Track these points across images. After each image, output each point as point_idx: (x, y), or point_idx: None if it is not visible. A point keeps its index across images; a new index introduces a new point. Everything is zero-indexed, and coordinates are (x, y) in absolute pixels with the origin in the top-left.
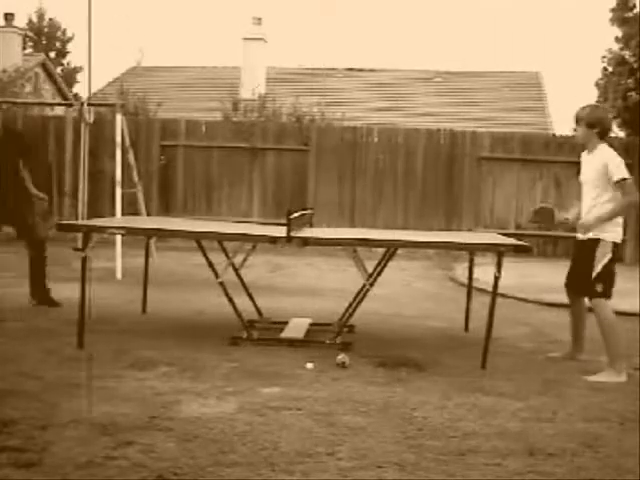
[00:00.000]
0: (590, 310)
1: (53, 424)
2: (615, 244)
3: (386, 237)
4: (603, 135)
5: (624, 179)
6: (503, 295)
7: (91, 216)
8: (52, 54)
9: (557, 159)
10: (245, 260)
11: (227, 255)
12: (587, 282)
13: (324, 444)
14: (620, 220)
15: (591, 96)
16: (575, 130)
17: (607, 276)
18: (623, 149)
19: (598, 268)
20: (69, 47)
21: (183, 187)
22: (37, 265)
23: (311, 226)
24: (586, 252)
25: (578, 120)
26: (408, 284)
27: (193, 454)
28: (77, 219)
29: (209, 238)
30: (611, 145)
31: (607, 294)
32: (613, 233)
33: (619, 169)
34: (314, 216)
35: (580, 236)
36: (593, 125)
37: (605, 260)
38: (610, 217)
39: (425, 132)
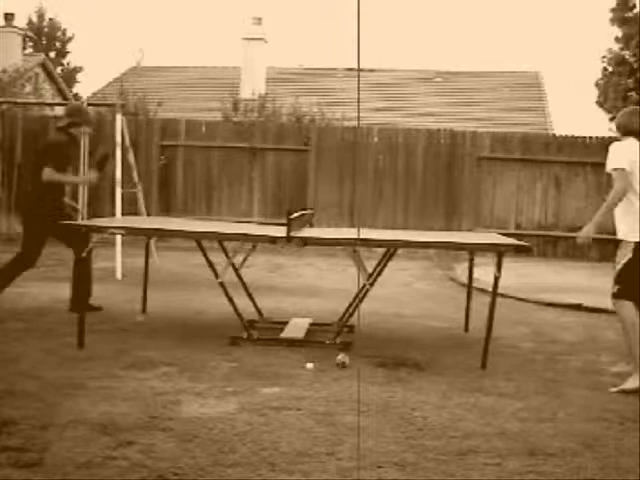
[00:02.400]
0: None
1: (53, 424)
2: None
3: (386, 237)
4: (625, 133)
5: (614, 169)
6: (503, 295)
7: (91, 216)
8: (52, 54)
9: (557, 159)
10: (245, 260)
11: (227, 255)
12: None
13: (324, 444)
14: None
15: (591, 96)
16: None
17: (625, 277)
18: None
19: (618, 269)
20: (69, 47)
21: (183, 187)
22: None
23: (311, 226)
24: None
25: (617, 127)
26: (408, 284)
27: (193, 454)
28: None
29: (209, 238)
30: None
31: (625, 295)
32: (634, 231)
33: (610, 160)
34: (314, 216)
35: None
36: (617, 128)
37: (624, 261)
38: (603, 212)
39: (425, 132)
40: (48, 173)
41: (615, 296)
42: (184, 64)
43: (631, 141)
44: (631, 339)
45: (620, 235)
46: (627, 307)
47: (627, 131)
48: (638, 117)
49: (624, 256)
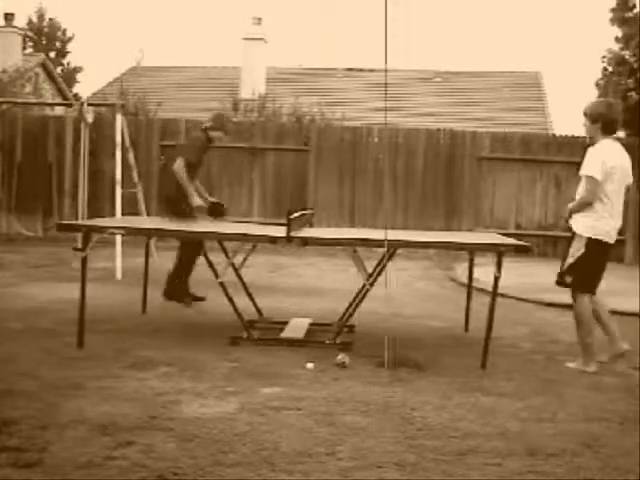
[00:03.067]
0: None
1: (53, 424)
2: (593, 240)
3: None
4: (606, 130)
5: (587, 176)
6: (503, 295)
7: (91, 216)
8: (52, 54)
9: (557, 159)
10: (245, 260)
11: (227, 255)
12: (560, 272)
13: (324, 444)
14: (605, 217)
15: (591, 96)
16: (584, 125)
17: (579, 270)
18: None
19: (570, 260)
20: (69, 47)
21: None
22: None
23: (311, 226)
24: (567, 244)
25: (584, 115)
26: (408, 284)
27: (193, 454)
28: (77, 219)
29: (209, 238)
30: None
31: (579, 287)
32: (591, 229)
33: (589, 165)
34: (314, 216)
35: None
36: (596, 120)
37: (578, 254)
38: (572, 210)
39: (425, 132)
40: (179, 165)
41: (565, 285)
42: (184, 64)
43: (610, 144)
44: (584, 331)
45: (574, 228)
46: (585, 302)
47: (610, 128)
48: (619, 110)
49: (578, 250)
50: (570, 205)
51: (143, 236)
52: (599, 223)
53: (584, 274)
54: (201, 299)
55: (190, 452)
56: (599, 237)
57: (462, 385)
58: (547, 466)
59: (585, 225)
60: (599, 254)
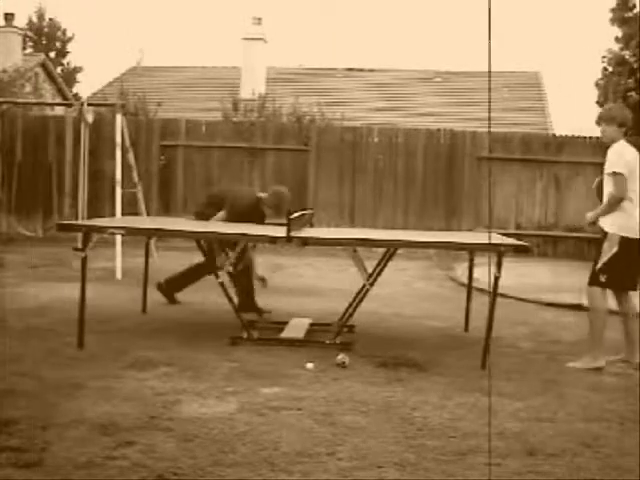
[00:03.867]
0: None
1: (53, 424)
2: (626, 238)
3: (386, 237)
4: (625, 132)
5: (613, 172)
6: (503, 295)
7: (91, 216)
8: (52, 54)
9: (557, 159)
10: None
11: (227, 255)
12: (593, 272)
13: (324, 444)
14: (633, 215)
15: (591, 96)
16: (604, 131)
17: (612, 269)
18: None
19: (603, 260)
20: (69, 47)
21: (183, 187)
22: (199, 269)
23: (311, 226)
24: (598, 244)
25: (610, 120)
26: (408, 284)
27: (193, 454)
28: (77, 219)
29: (209, 238)
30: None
31: (610, 286)
32: (623, 228)
33: (612, 163)
34: (314, 216)
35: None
36: (623, 123)
37: (610, 253)
38: (602, 212)
39: (425, 132)
40: (219, 217)
41: (598, 284)
42: (184, 64)
43: (625, 145)
44: (595, 327)
45: (606, 228)
46: (601, 299)
47: (624, 126)
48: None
49: (611, 248)
50: (590, 213)
51: (143, 236)
52: (629, 221)
53: (616, 272)
54: (175, 302)
55: (190, 452)
56: (630, 235)
57: (462, 385)
58: (547, 466)
59: (616, 224)
60: (632, 252)
